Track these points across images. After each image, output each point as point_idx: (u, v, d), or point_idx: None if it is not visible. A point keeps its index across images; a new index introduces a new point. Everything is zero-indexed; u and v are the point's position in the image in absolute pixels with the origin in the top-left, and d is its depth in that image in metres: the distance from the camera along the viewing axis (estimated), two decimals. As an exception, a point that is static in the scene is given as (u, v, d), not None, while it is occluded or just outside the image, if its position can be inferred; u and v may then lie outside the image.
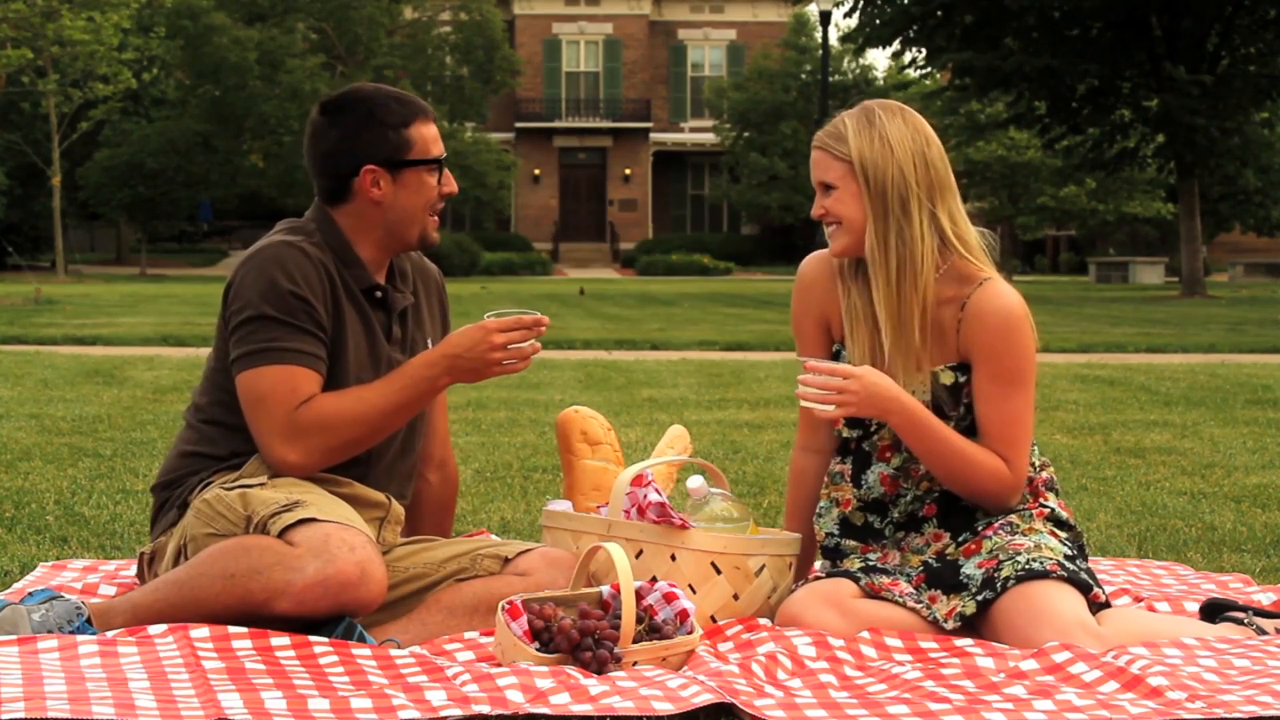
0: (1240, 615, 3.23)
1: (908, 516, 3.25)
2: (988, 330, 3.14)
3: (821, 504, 3.33)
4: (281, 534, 2.92)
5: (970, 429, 3.20)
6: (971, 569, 3.11)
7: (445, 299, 3.48)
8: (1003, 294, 3.16)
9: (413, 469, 3.38)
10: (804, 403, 3.12)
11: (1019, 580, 3.02)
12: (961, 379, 3.18)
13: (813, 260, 3.37)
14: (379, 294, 3.25)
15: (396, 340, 3.27)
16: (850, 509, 3.28)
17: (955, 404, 3.19)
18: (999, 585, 3.03)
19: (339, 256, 3.20)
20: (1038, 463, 3.27)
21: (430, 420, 3.45)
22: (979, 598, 3.04)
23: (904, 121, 3.18)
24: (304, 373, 3.09)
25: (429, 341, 3.35)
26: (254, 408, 3.10)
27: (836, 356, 3.29)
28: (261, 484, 3.08)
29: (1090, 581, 3.09)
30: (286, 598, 2.87)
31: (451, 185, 3.28)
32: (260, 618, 2.90)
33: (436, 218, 3.27)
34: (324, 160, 3.23)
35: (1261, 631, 3.16)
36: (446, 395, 3.52)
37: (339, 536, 2.89)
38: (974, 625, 3.07)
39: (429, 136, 3.23)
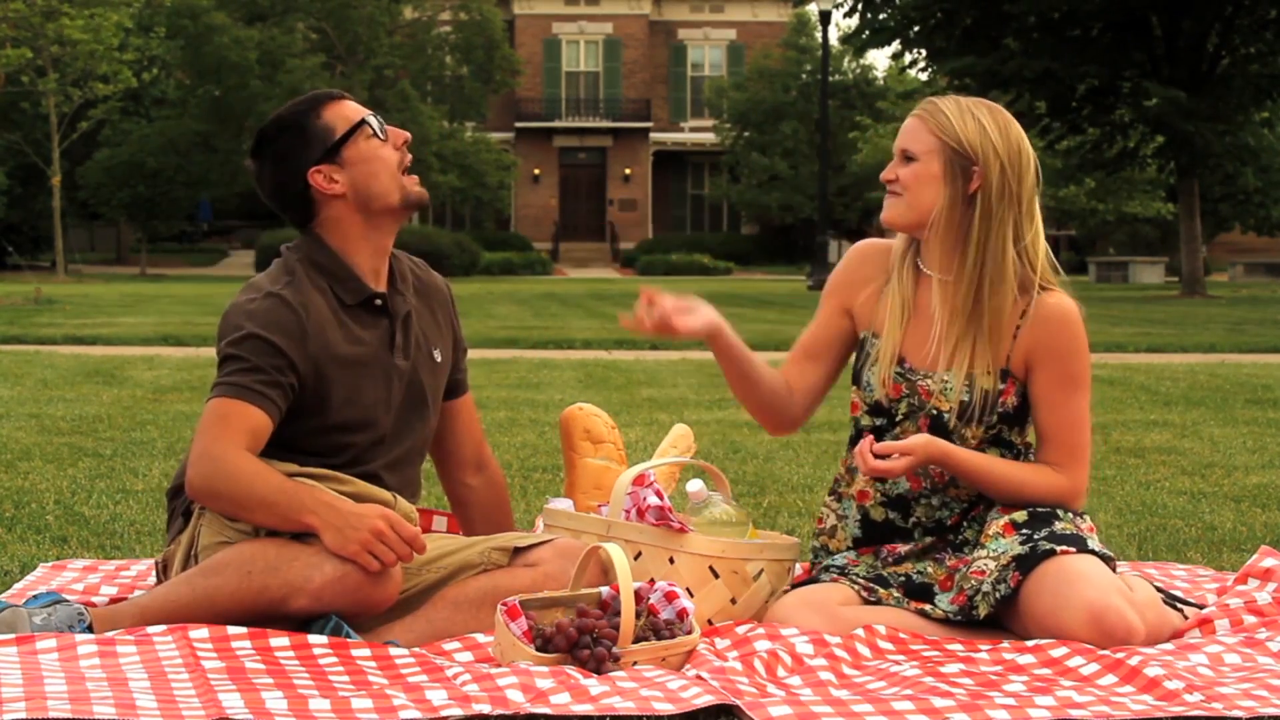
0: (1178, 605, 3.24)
1: (935, 523, 3.23)
2: (1054, 334, 3.14)
3: (845, 504, 3.31)
4: (294, 535, 2.94)
5: (997, 438, 3.20)
6: (945, 604, 3.10)
7: (455, 316, 3.44)
8: (1065, 300, 3.17)
9: (415, 483, 3.37)
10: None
11: (1020, 566, 3.01)
12: (1001, 386, 3.17)
13: (866, 246, 3.35)
14: (378, 302, 3.22)
15: (400, 348, 3.24)
16: (871, 503, 3.26)
17: (990, 412, 3.17)
18: (995, 597, 3.03)
19: (332, 276, 3.18)
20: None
21: (458, 424, 3.45)
22: (990, 604, 3.04)
23: (1009, 129, 3.15)
24: (237, 404, 3.03)
25: (435, 353, 3.32)
26: (198, 429, 3.08)
27: (863, 345, 3.29)
28: None
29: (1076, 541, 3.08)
30: (305, 594, 2.88)
31: (400, 134, 3.23)
32: (272, 617, 2.91)
33: (414, 176, 3.23)
34: (277, 195, 3.22)
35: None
36: (473, 398, 3.52)
37: None
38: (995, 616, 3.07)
39: (345, 112, 3.20)
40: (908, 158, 3.17)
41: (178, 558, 3.15)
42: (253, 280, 3.19)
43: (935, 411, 3.18)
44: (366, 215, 3.19)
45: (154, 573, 3.32)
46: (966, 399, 3.16)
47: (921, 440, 3.11)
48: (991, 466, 3.15)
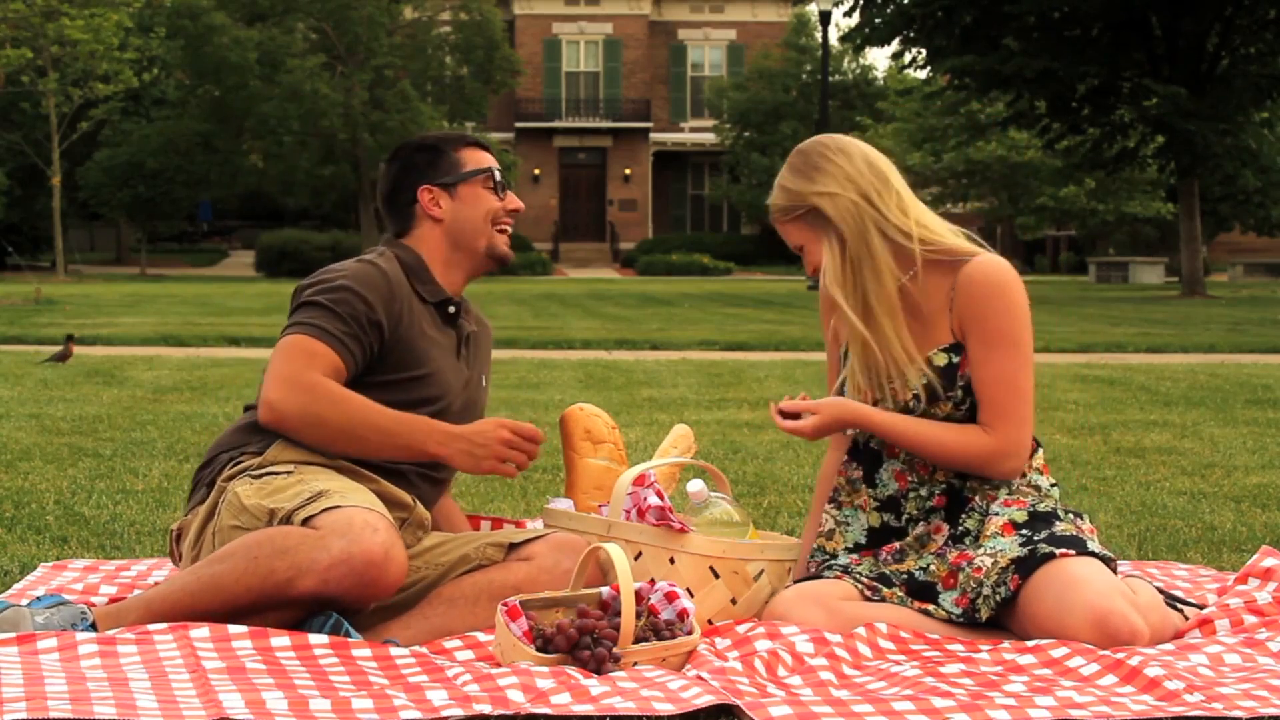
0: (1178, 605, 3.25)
1: (924, 513, 3.25)
2: (975, 295, 3.17)
3: (846, 512, 3.33)
4: (305, 522, 2.97)
5: (970, 412, 3.21)
6: (949, 604, 3.11)
7: (490, 354, 3.60)
8: (990, 261, 3.21)
9: (447, 482, 3.46)
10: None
11: (1021, 568, 3.01)
12: (955, 359, 3.19)
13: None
14: (451, 309, 3.39)
15: (464, 358, 3.41)
16: (868, 510, 3.29)
17: (951, 385, 3.19)
18: (995, 600, 3.03)
19: (415, 275, 3.34)
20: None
21: None
22: (991, 607, 3.04)
23: (833, 155, 3.22)
24: (322, 345, 3.16)
25: (484, 379, 3.49)
26: (271, 361, 3.19)
27: (844, 358, 3.32)
28: (289, 471, 3.12)
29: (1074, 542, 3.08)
30: (311, 575, 2.89)
31: (515, 202, 3.45)
32: (278, 603, 2.92)
33: (506, 234, 3.42)
34: (389, 199, 3.44)
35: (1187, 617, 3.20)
36: None
37: (362, 519, 2.93)
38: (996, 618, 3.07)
39: (480, 156, 3.43)
40: (799, 249, 3.29)
41: (193, 527, 3.20)
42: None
43: (905, 404, 3.21)
44: (453, 247, 3.40)
45: (169, 546, 3.36)
46: (926, 380, 3.19)
47: (830, 401, 3.19)
48: (912, 427, 3.18)
